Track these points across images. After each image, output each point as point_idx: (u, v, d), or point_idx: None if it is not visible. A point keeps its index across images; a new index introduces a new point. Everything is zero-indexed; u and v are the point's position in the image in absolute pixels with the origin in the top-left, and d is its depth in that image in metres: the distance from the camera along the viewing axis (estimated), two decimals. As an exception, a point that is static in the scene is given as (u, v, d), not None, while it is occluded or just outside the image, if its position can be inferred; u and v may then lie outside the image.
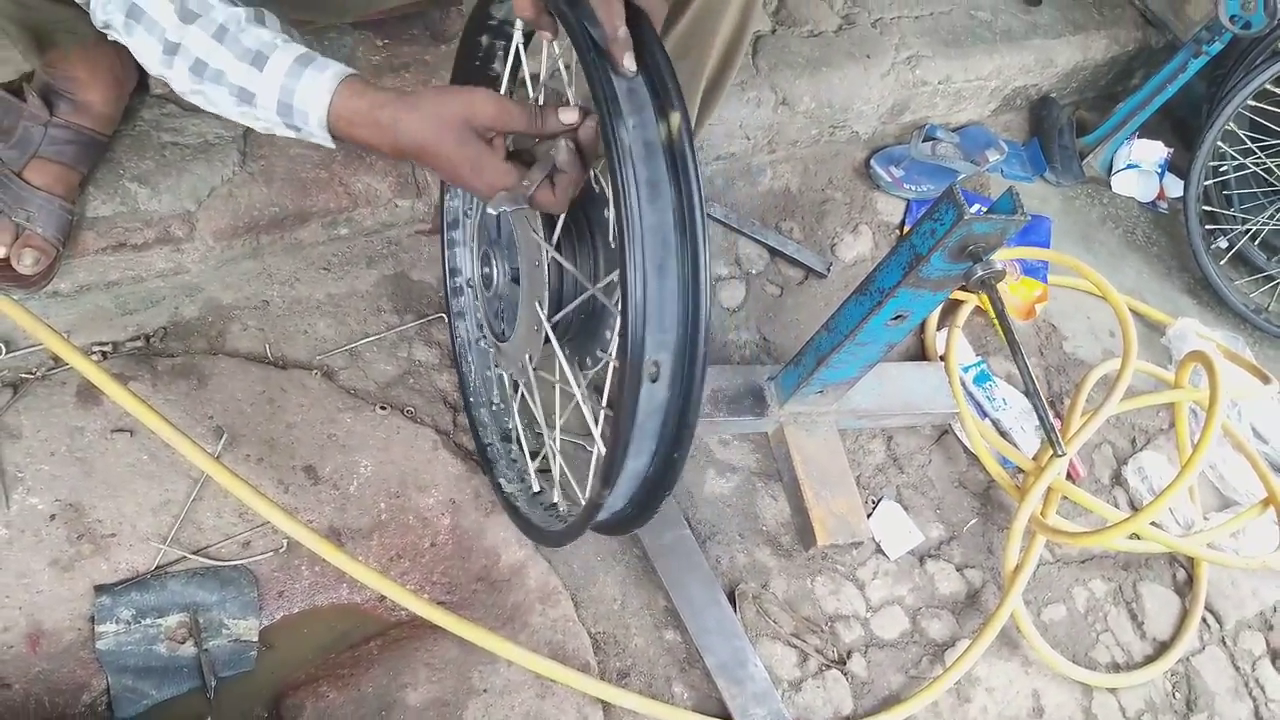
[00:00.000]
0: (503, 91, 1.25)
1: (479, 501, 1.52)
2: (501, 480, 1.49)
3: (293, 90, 0.96)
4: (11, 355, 1.40)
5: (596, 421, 1.18)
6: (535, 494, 1.47)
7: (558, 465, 1.36)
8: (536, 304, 1.18)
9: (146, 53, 0.98)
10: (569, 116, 0.99)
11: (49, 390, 1.39)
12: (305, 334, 1.58)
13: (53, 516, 1.31)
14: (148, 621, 1.31)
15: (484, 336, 1.55)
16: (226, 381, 1.48)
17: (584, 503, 1.27)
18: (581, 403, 1.17)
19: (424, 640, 1.40)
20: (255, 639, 1.36)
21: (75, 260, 1.43)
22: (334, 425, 1.50)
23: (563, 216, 1.13)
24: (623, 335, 0.90)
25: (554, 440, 1.34)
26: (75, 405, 1.39)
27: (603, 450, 1.16)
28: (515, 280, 1.26)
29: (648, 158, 0.92)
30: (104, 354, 1.45)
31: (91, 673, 1.28)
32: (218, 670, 1.33)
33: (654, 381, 0.95)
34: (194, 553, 1.36)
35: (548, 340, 1.19)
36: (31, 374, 1.40)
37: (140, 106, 1.54)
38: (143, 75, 1.51)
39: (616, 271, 1.09)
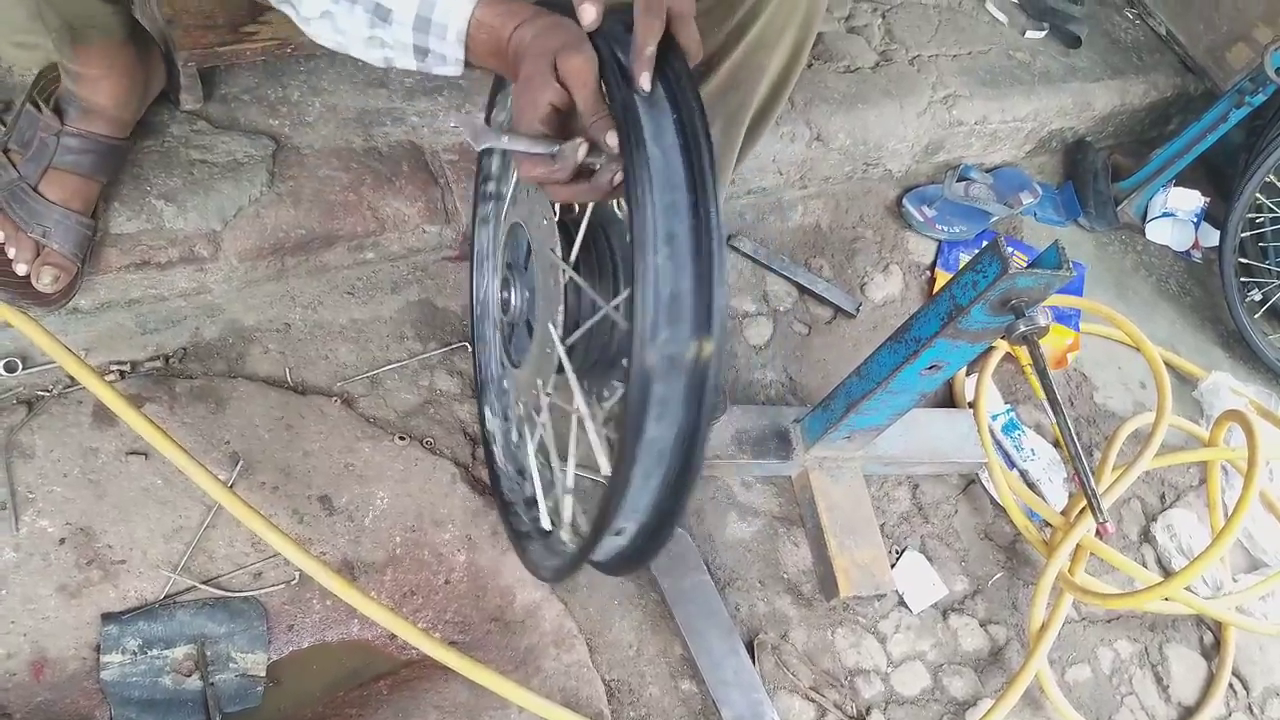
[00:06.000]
0: None
1: (495, 539, 1.48)
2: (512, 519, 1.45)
3: (433, 3, 0.96)
4: (27, 372, 1.37)
5: (611, 449, 1.13)
6: (546, 533, 1.43)
7: (556, 496, 1.32)
8: (550, 324, 1.12)
9: None
10: (613, 140, 0.94)
11: (64, 409, 1.36)
12: (326, 359, 1.55)
13: (62, 540, 1.28)
14: (154, 652, 1.27)
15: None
16: (245, 406, 1.45)
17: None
18: (588, 423, 1.11)
19: (434, 681, 1.37)
20: (263, 674, 1.32)
21: (98, 277, 1.41)
22: (352, 454, 1.47)
23: (580, 237, 1.08)
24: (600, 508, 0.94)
25: (564, 472, 1.29)
26: (90, 425, 1.36)
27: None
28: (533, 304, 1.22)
29: (668, 375, 0.87)
30: (122, 373, 1.42)
31: (95, 704, 1.25)
32: (223, 705, 1.29)
33: (618, 535, 0.99)
34: (204, 582, 1.32)
35: (560, 369, 1.13)
36: (47, 392, 1.37)
37: (170, 122, 1.51)
38: (172, 87, 1.49)
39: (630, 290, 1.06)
